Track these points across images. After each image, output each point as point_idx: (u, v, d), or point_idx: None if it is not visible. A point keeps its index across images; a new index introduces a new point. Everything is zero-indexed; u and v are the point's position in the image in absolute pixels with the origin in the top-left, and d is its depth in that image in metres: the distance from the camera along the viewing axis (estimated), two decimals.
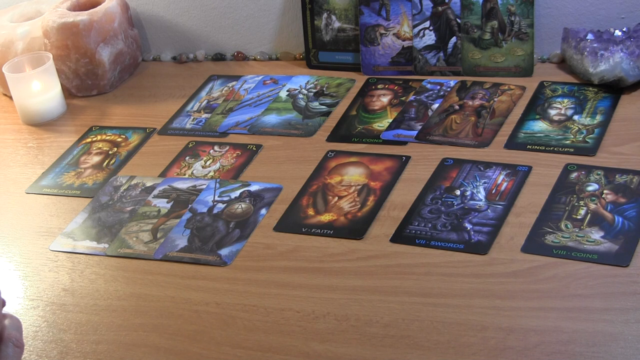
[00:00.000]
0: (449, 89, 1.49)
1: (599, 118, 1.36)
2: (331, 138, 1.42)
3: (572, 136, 1.33)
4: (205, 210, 1.29)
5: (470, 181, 1.26)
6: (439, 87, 1.50)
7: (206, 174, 1.38)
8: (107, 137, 1.52)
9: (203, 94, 1.61)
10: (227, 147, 1.44)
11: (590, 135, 1.32)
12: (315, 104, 1.52)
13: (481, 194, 1.23)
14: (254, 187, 1.33)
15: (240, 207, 1.29)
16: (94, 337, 1.10)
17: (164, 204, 1.32)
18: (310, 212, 1.26)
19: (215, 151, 1.43)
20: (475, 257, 1.13)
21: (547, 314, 1.03)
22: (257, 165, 1.39)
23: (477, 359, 0.99)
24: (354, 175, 1.32)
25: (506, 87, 1.47)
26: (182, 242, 1.24)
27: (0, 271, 1.24)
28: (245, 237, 1.23)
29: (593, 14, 1.51)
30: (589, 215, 1.16)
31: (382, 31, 1.55)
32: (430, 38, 1.54)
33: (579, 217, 1.16)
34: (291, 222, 1.25)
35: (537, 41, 1.52)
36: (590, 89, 1.43)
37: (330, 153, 1.38)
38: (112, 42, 1.64)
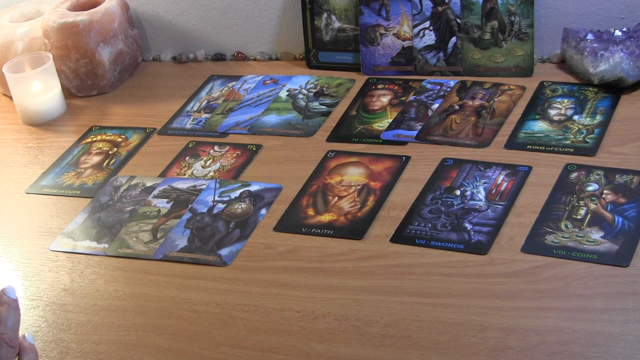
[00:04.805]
0: (449, 89, 1.49)
1: (599, 118, 1.36)
2: (331, 138, 1.42)
3: (572, 136, 1.33)
4: (205, 210, 1.29)
5: (470, 181, 1.26)
6: (439, 87, 1.50)
7: (206, 174, 1.38)
8: (107, 137, 1.52)
9: (203, 94, 1.61)
10: (227, 147, 1.44)
11: (590, 135, 1.32)
12: (315, 104, 1.52)
13: (481, 194, 1.23)
14: (254, 187, 1.33)
15: (240, 207, 1.29)
16: (94, 337, 1.10)
17: (164, 204, 1.32)
18: (310, 212, 1.26)
19: (215, 151, 1.43)
20: (475, 257, 1.13)
21: (547, 314, 1.03)
22: (257, 165, 1.39)
23: (477, 359, 0.99)
24: (354, 175, 1.32)
25: (506, 87, 1.47)
26: (182, 242, 1.24)
27: (0, 271, 1.24)
28: (245, 237, 1.23)
29: (593, 14, 1.51)
30: (589, 215, 1.16)
31: (382, 31, 1.55)
32: (430, 38, 1.54)
33: (579, 217, 1.16)
34: (291, 222, 1.25)
35: (537, 41, 1.52)
36: (590, 89, 1.43)
37: (330, 153, 1.38)
38: (112, 42, 1.64)
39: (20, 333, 0.99)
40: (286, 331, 1.07)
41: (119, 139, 1.51)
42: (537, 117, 1.39)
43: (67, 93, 1.66)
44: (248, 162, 1.39)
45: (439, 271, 1.12)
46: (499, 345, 1.00)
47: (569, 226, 1.15)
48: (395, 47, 1.56)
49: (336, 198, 1.28)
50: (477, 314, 1.04)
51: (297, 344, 1.05)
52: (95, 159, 1.47)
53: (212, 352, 1.06)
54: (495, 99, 1.44)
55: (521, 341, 1.00)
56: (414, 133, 1.39)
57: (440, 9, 1.52)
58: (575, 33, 1.47)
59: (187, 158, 1.43)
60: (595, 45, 1.43)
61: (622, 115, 1.36)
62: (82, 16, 1.61)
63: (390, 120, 1.43)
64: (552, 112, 1.39)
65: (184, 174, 1.39)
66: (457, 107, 1.44)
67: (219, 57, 1.72)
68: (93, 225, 1.31)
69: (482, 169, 1.28)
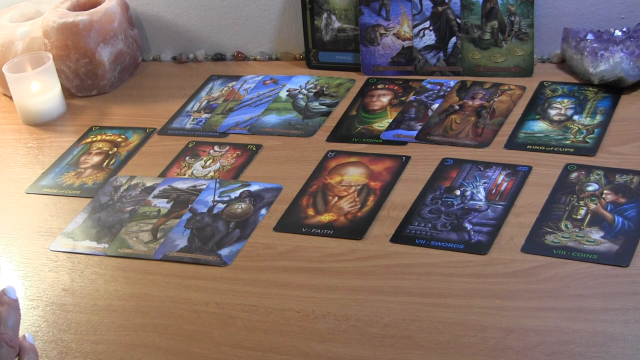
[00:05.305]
0: (449, 89, 1.49)
1: (599, 118, 1.36)
2: (331, 138, 1.42)
3: (572, 136, 1.33)
4: (205, 210, 1.29)
5: (470, 181, 1.26)
6: (439, 87, 1.50)
7: (206, 174, 1.38)
8: (107, 137, 1.52)
9: (203, 94, 1.61)
10: (227, 147, 1.44)
11: (590, 135, 1.32)
12: (315, 104, 1.52)
13: (481, 194, 1.23)
14: (254, 187, 1.33)
15: (240, 207, 1.29)
16: (94, 337, 1.10)
17: (164, 204, 1.32)
18: (310, 212, 1.26)
19: (215, 151, 1.43)
20: (475, 257, 1.13)
21: (547, 314, 1.03)
22: (257, 165, 1.39)
23: (477, 359, 0.99)
24: (354, 175, 1.32)
25: (506, 87, 1.47)
26: (182, 242, 1.24)
27: (0, 271, 1.24)
28: (245, 237, 1.23)
29: (593, 14, 1.51)
30: (589, 215, 1.16)
31: (382, 31, 1.55)
32: (430, 38, 1.54)
33: (579, 217, 1.16)
34: (291, 222, 1.25)
35: (537, 41, 1.52)
36: (590, 89, 1.43)
37: (330, 153, 1.38)
38: (112, 42, 1.64)
39: (20, 333, 0.99)
40: (286, 331, 1.07)
41: (119, 139, 1.51)
42: (537, 117, 1.39)
43: (67, 93, 1.66)
44: (248, 162, 1.39)
45: (439, 271, 1.12)
46: (499, 345, 1.00)
47: (569, 226, 1.15)
48: (395, 47, 1.56)
49: (336, 198, 1.28)
50: (477, 314, 1.04)
51: (297, 344, 1.05)
52: (95, 159, 1.47)
53: (212, 352, 1.06)
54: (495, 99, 1.44)
55: (521, 341, 1.00)
56: (414, 133, 1.39)
57: (440, 9, 1.52)
58: (575, 33, 1.47)
59: (187, 158, 1.43)
60: (595, 45, 1.43)
61: (622, 115, 1.36)
62: (82, 16, 1.61)
63: (390, 120, 1.43)
64: (552, 112, 1.39)
65: (184, 174, 1.39)
66: (457, 107, 1.44)
67: (219, 57, 1.72)
68: (93, 225, 1.31)
69: (482, 169, 1.28)
